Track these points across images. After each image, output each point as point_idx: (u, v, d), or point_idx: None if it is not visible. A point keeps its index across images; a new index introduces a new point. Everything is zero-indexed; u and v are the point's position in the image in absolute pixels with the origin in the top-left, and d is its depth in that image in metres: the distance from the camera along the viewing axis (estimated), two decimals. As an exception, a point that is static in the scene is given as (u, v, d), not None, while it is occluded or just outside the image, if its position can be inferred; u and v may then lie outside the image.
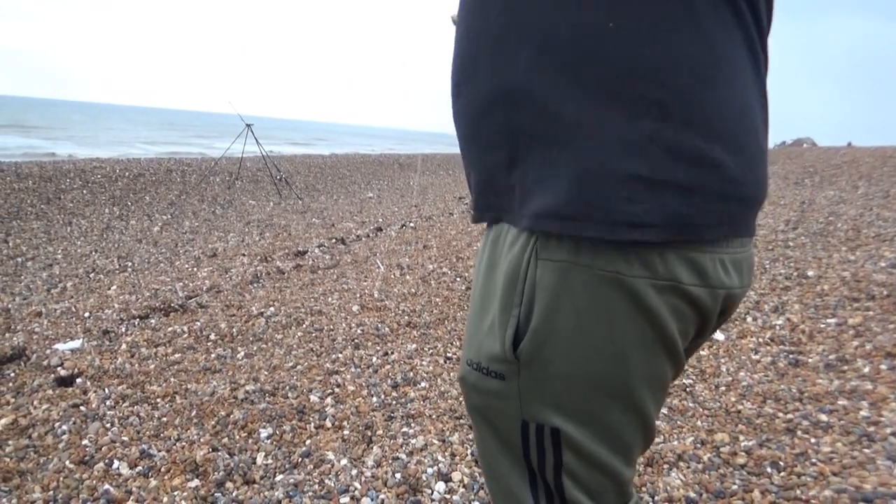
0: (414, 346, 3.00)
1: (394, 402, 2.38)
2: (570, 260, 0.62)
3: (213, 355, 2.89)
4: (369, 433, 2.14)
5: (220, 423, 2.18)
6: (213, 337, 3.15)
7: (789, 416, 2.15)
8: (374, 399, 2.40)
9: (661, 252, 0.61)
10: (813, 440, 1.98)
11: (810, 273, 3.86)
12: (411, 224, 7.33)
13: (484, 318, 0.72)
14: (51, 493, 1.77)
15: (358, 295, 3.95)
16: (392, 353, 2.91)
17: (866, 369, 2.45)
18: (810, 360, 2.61)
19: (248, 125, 10.61)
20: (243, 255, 5.45)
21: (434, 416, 2.26)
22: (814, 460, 1.86)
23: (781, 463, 1.85)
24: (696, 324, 0.67)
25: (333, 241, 6.14)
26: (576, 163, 0.61)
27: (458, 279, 4.30)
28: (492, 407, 0.73)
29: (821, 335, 2.87)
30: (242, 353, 2.93)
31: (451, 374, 2.67)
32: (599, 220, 0.60)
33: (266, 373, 2.66)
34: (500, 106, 0.67)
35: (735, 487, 1.76)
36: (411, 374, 2.65)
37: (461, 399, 2.41)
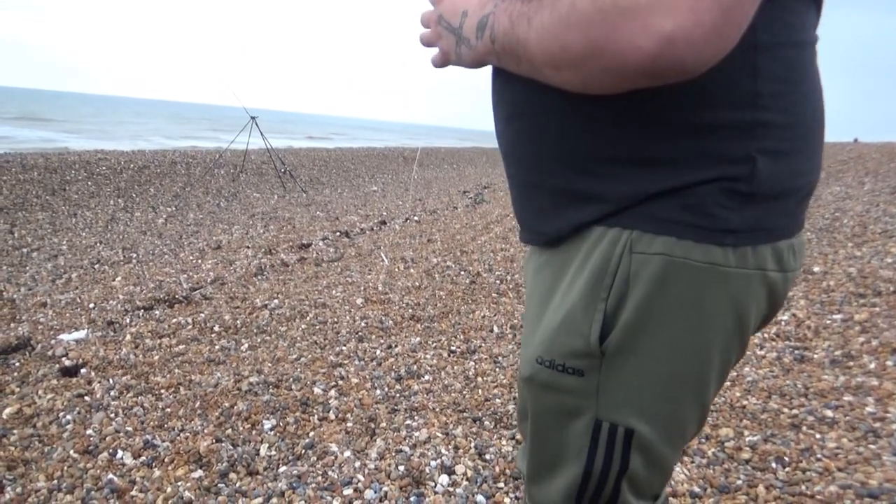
0: (418, 339, 3.00)
1: (397, 395, 2.38)
2: (667, 253, 0.63)
3: (217, 347, 2.90)
4: (373, 425, 2.14)
5: (224, 414, 2.18)
6: (217, 329, 3.15)
7: (794, 411, 2.15)
8: (378, 392, 2.40)
9: (754, 245, 0.63)
10: (818, 436, 1.98)
11: (816, 269, 3.84)
12: (415, 218, 7.32)
13: (554, 314, 0.70)
14: (55, 481, 1.78)
15: (362, 288, 3.95)
16: (396, 346, 2.91)
17: (872, 365, 2.44)
18: (816, 356, 2.60)
19: (253, 118, 10.58)
20: (247, 247, 5.45)
21: (437, 410, 2.26)
22: (819, 456, 1.85)
23: (786, 458, 1.85)
24: (762, 316, 0.69)
25: (337, 234, 6.14)
26: (676, 173, 0.63)
27: (462, 273, 4.30)
28: (564, 406, 0.71)
29: (826, 331, 2.85)
30: (246, 345, 2.93)
31: (455, 367, 2.66)
32: (696, 225, 0.62)
33: (270, 365, 2.66)
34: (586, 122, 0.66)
35: (740, 482, 1.76)
36: (415, 367, 2.65)
37: (465, 392, 2.41)
